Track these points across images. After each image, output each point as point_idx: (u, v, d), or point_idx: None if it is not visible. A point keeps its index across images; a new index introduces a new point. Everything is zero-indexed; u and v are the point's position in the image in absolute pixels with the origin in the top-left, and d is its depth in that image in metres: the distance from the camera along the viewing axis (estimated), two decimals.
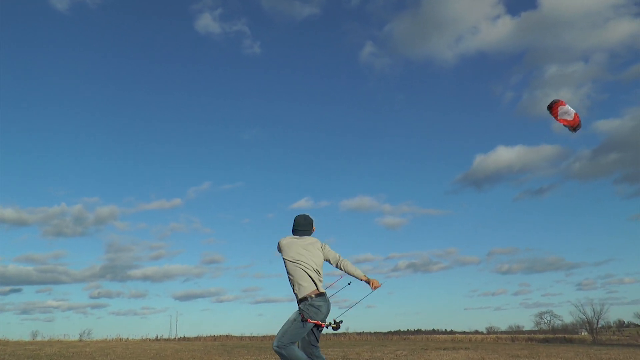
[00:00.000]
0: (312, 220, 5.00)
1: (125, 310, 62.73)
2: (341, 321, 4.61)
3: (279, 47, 76.38)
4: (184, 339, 37.75)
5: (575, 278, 73.56)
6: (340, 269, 4.91)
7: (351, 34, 69.09)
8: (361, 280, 4.86)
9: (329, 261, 4.92)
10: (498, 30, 61.65)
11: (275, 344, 4.48)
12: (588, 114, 63.66)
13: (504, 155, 64.24)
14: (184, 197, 74.94)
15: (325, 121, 78.86)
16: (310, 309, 4.47)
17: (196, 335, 39.83)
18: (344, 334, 43.34)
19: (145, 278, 66.62)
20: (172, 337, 41.97)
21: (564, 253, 75.46)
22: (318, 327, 4.59)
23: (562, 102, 9.15)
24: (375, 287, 4.80)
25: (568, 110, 9.05)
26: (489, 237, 77.17)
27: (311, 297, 4.49)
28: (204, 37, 71.78)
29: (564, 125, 9.14)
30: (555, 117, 9.08)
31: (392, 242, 75.70)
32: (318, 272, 4.69)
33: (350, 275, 4.89)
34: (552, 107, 9.11)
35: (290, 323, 4.52)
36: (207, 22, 68.27)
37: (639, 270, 67.18)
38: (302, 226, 4.90)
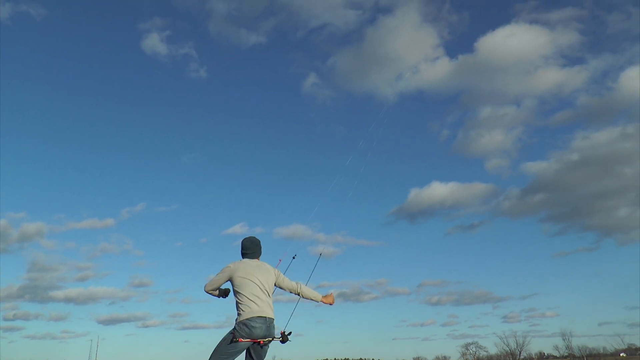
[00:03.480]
0: (259, 242, 5.00)
1: (42, 333, 59.74)
2: (289, 333, 4.65)
3: (224, 73, 77.39)
4: None
5: (501, 311, 76.39)
6: (300, 296, 4.99)
7: (295, 65, 71.28)
8: (319, 301, 5.06)
9: (285, 289, 4.96)
10: (437, 71, 64.84)
11: None
12: (519, 155, 67.34)
13: (438, 190, 66.82)
14: (117, 217, 73.46)
15: (265, 149, 79.95)
16: (243, 329, 4.47)
17: None
18: None
19: (68, 300, 63.82)
20: None
21: (492, 287, 78.32)
22: (259, 346, 4.55)
23: None
24: (331, 303, 5.07)
25: None
26: (421, 269, 79.47)
27: (251, 319, 4.49)
28: (150, 57, 71.81)
29: None
30: None
31: (324, 271, 76.39)
32: (268, 294, 4.70)
33: (311, 299, 5.02)
34: None
35: (221, 342, 4.53)
36: (154, 43, 68.54)
37: (560, 305, 70.67)
38: (250, 249, 4.93)
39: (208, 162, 76.56)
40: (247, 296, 4.60)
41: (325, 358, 60.94)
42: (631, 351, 68.71)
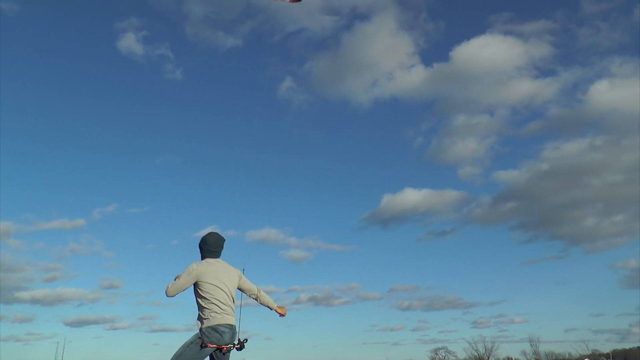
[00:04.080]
0: (224, 240, 4.82)
1: (5, 336, 56.56)
2: (246, 340, 4.56)
3: (200, 75, 76.69)
4: None
5: (470, 316, 77.65)
6: (258, 300, 4.95)
7: (272, 68, 71.07)
8: (273, 309, 5.02)
9: (245, 291, 4.88)
10: (412, 79, 65.52)
11: None
12: (491, 163, 68.77)
13: (411, 196, 67.47)
14: (88, 217, 71.88)
15: (239, 151, 79.36)
16: (212, 334, 4.39)
17: None
18: None
19: (35, 301, 60.12)
20: None
21: (462, 292, 79.56)
22: (221, 351, 4.50)
23: None
24: (283, 314, 5.03)
25: None
26: (392, 274, 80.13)
27: (221, 325, 4.43)
28: (125, 57, 70.45)
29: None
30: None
31: (296, 275, 76.67)
32: (233, 299, 4.64)
33: (267, 306, 4.99)
34: None
35: (186, 346, 4.41)
36: (130, 43, 67.24)
37: (529, 311, 72.40)
38: (217, 247, 4.73)
39: (181, 164, 75.74)
40: (216, 303, 4.49)
41: None
42: (595, 357, 70.68)
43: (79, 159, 72.02)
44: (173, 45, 72.87)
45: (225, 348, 4.48)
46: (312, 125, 76.12)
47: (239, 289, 4.87)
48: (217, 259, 4.75)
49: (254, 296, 4.96)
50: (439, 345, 62.04)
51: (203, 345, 4.33)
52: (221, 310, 4.50)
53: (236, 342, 4.57)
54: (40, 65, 70.95)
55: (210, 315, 4.45)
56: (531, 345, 59.26)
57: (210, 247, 4.72)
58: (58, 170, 71.08)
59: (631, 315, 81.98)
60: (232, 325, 4.54)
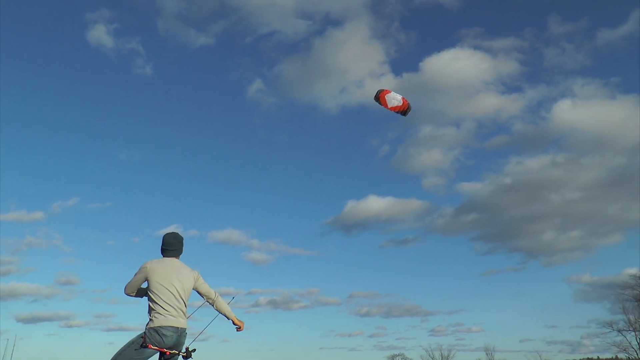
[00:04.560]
0: (182, 239, 4.71)
1: None
2: (194, 350, 4.40)
3: (170, 72, 75.50)
4: None
5: (429, 324, 78.53)
6: (214, 306, 4.75)
7: (242, 69, 70.84)
8: (231, 320, 4.81)
9: (201, 294, 4.71)
10: (381, 87, 65.63)
11: None
12: (455, 175, 70.14)
13: (375, 204, 68.11)
14: (48, 211, 69.35)
15: (204, 150, 78.96)
16: (154, 335, 4.23)
17: None
18: None
19: None
20: None
21: (421, 301, 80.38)
22: (164, 356, 4.31)
23: (387, 90, 9.12)
24: (240, 328, 4.84)
25: (395, 97, 8.97)
26: (352, 280, 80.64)
27: (164, 327, 4.25)
28: (94, 48, 68.58)
29: (395, 111, 9.03)
30: (386, 106, 8.99)
31: (256, 278, 76.27)
32: (183, 302, 4.45)
33: (223, 314, 4.78)
34: (380, 97, 8.99)
35: (128, 345, 4.28)
36: (100, 35, 65.58)
37: (486, 321, 74.15)
38: (172, 245, 4.64)
39: (146, 160, 74.09)
40: (161, 304, 4.33)
41: None
42: None
43: (41, 150, 69.49)
44: (144, 40, 71.25)
45: (168, 353, 4.29)
46: (279, 128, 76.00)
47: (197, 291, 4.71)
48: (173, 259, 4.64)
49: (210, 301, 4.79)
50: (396, 352, 62.56)
51: (143, 345, 4.21)
52: (165, 312, 4.33)
53: (183, 349, 4.38)
54: (1, 51, 68.35)
55: (154, 317, 4.33)
56: (487, 354, 60.25)
57: (165, 245, 4.67)
58: (18, 160, 68.37)
59: (583, 328, 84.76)
60: (176, 327, 4.33)
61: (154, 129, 75.02)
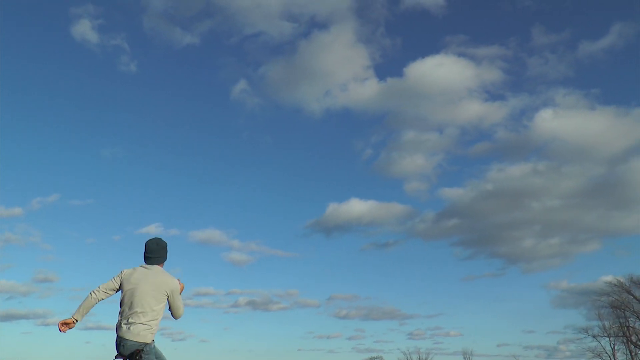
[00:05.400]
0: (166, 245, 4.57)
1: None
2: (139, 351, 4.21)
3: (155, 70, 74.95)
4: None
5: (407, 328, 79.17)
6: (172, 314, 4.53)
7: (226, 69, 70.63)
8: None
9: (170, 308, 4.48)
10: (364, 91, 66.43)
11: None
12: (438, 180, 70.77)
13: (357, 207, 68.43)
14: (26, 206, 68.22)
15: (188, 149, 78.54)
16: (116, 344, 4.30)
17: None
18: None
19: None
20: None
21: (401, 304, 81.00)
22: None
23: None
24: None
25: None
26: (332, 282, 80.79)
27: (119, 336, 4.24)
28: (79, 44, 67.69)
29: None
30: None
31: (236, 278, 76.25)
32: (147, 312, 4.27)
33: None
34: None
35: None
36: (84, 30, 64.71)
37: (464, 325, 74.90)
38: (154, 252, 4.51)
39: (128, 158, 73.28)
40: (122, 312, 4.37)
41: None
42: None
43: (21, 144, 68.30)
44: (129, 37, 70.62)
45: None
46: (263, 130, 75.93)
47: (170, 307, 4.52)
48: (152, 266, 4.51)
49: (173, 315, 4.57)
50: (374, 354, 62.83)
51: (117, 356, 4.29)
52: (123, 324, 4.31)
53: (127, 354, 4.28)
54: None
55: (116, 326, 4.38)
56: (464, 358, 60.83)
57: (147, 252, 4.57)
58: None
59: (559, 334, 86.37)
60: (128, 340, 4.23)
61: (138, 127, 74.30)
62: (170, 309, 4.52)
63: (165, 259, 4.61)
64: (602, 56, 62.89)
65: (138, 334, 4.24)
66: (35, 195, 72.36)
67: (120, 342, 4.27)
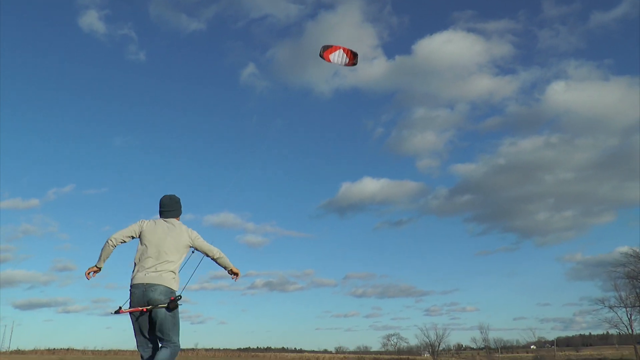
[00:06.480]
0: (179, 199, 4.79)
1: None
2: (179, 297, 4.27)
3: (163, 58, 75.30)
4: (18, 352, 34.29)
5: (423, 304, 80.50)
6: (215, 260, 4.71)
7: (234, 53, 70.65)
8: (228, 269, 4.77)
9: (205, 253, 4.67)
10: (373, 70, 66.68)
11: None
12: (449, 156, 70.33)
13: (369, 186, 68.85)
14: (43, 198, 69.52)
15: (199, 135, 78.76)
16: (128, 297, 4.30)
17: (33, 348, 36.05)
18: (192, 349, 42.25)
19: None
20: (4, 350, 38.03)
21: (416, 281, 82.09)
22: (137, 317, 4.27)
23: (333, 48, 9.14)
24: (237, 274, 4.80)
25: (340, 54, 9.11)
26: (347, 261, 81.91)
27: (132, 285, 4.30)
28: (87, 34, 68.48)
29: (346, 65, 9.16)
30: (329, 60, 9.12)
31: (252, 260, 77.30)
32: (166, 259, 4.38)
33: (222, 265, 4.72)
34: (324, 56, 9.10)
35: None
36: (92, 20, 65.28)
37: (480, 300, 74.81)
38: (167, 206, 4.70)
39: (140, 146, 74.14)
40: (136, 261, 4.45)
41: (247, 347, 61.00)
42: (540, 344, 73.97)
43: (35, 137, 69.12)
44: (136, 26, 70.97)
45: (140, 310, 4.19)
46: (273, 113, 76.08)
47: (196, 248, 4.67)
48: (169, 219, 4.69)
49: (211, 256, 4.74)
50: (391, 331, 63.49)
51: (116, 311, 4.17)
52: (136, 270, 4.36)
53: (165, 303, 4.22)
54: None
55: (131, 276, 4.39)
56: (481, 332, 61.45)
57: (162, 206, 4.70)
58: (13, 148, 67.98)
59: (575, 305, 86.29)
60: (141, 284, 4.26)
61: (148, 114, 74.92)
62: (205, 253, 4.69)
63: (180, 212, 4.81)
64: (615, 26, 61.92)
65: (169, 281, 4.38)
66: (50, 186, 73.72)
67: (146, 290, 4.22)
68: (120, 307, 4.23)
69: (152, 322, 4.30)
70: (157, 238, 4.49)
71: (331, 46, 9.27)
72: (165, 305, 4.19)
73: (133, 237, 4.63)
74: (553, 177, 64.47)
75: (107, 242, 4.57)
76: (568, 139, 65.41)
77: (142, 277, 4.30)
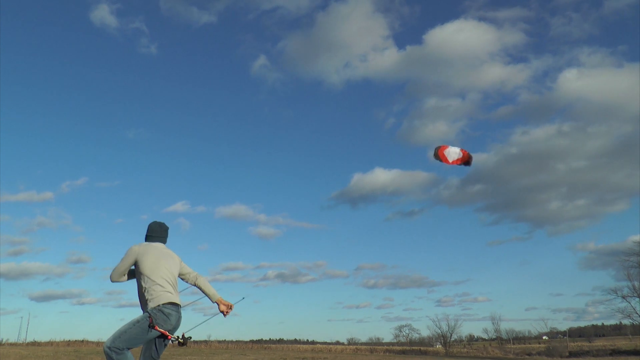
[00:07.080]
0: (168, 228, 4.76)
1: None
2: (189, 337, 4.31)
3: (175, 51, 75.62)
4: (34, 343, 34.89)
5: (435, 295, 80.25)
6: (197, 286, 4.69)
7: (245, 46, 70.62)
8: (214, 302, 4.65)
9: (183, 277, 4.67)
10: (384, 61, 66.20)
11: (107, 344, 4.02)
12: (461, 146, 69.67)
13: (381, 176, 68.62)
14: (57, 190, 70.26)
15: (210, 127, 78.96)
16: (159, 315, 4.15)
17: (48, 340, 36.73)
18: (205, 342, 42.76)
19: None
20: (21, 342, 38.65)
21: (428, 272, 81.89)
22: (163, 338, 4.24)
23: (444, 146, 9.44)
24: (225, 312, 4.60)
25: (454, 150, 9.41)
26: (359, 252, 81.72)
27: (163, 304, 4.20)
28: (98, 29, 68.63)
29: (457, 164, 9.42)
30: (446, 162, 9.41)
31: (264, 252, 77.83)
32: (174, 282, 4.45)
33: (205, 294, 4.66)
34: (439, 154, 9.38)
35: (132, 324, 4.16)
36: (103, 14, 65.39)
37: (491, 291, 74.52)
38: (156, 232, 4.69)
39: (152, 138, 74.50)
40: (159, 282, 4.31)
41: (260, 338, 61.54)
42: (553, 334, 73.74)
43: (48, 131, 69.65)
44: (147, 20, 71.04)
45: (169, 337, 4.20)
46: (284, 104, 75.92)
47: (180, 274, 4.68)
48: (159, 243, 4.67)
49: (192, 281, 4.72)
50: (403, 322, 63.56)
51: (150, 326, 4.11)
52: (163, 289, 4.29)
53: (179, 336, 4.27)
54: (9, 34, 67.80)
55: (155, 295, 4.25)
56: (493, 323, 61.19)
57: (152, 232, 4.69)
58: (26, 141, 68.65)
59: (587, 295, 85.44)
60: (177, 305, 4.33)
61: (161, 108, 75.16)
62: (183, 273, 4.68)
63: (165, 241, 4.78)
64: (629, 12, 60.81)
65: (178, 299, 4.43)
66: (64, 179, 74.40)
67: (172, 311, 4.24)
68: (154, 325, 4.11)
69: (159, 346, 4.35)
70: (167, 262, 4.49)
71: (442, 146, 9.48)
72: (181, 340, 4.26)
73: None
74: (565, 166, 63.94)
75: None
76: (581, 127, 64.73)
77: (175, 298, 4.34)
